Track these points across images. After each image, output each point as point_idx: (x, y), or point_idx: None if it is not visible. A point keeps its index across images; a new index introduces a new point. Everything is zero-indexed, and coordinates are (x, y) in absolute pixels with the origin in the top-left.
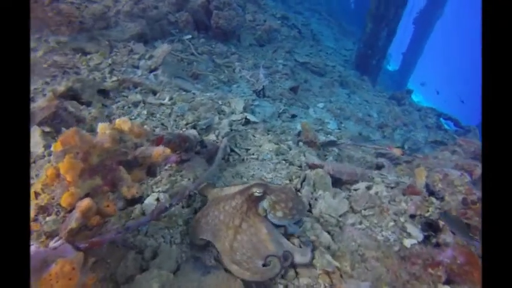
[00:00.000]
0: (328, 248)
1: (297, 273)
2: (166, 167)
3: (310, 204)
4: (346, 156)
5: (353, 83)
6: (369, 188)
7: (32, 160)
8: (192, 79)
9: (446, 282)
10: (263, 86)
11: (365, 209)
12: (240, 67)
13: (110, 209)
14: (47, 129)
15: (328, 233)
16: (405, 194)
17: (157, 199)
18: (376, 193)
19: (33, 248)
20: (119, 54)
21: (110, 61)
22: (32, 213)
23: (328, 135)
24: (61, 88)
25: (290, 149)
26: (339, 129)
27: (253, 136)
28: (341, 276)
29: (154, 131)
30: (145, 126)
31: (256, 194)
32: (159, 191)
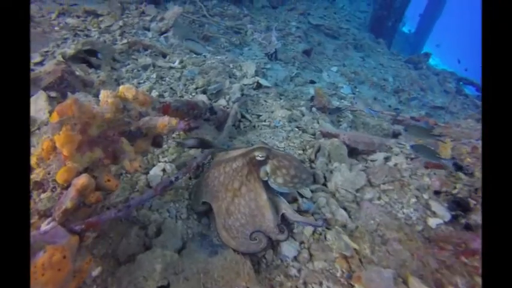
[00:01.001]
0: (344, 226)
1: (311, 255)
2: (173, 135)
3: (325, 177)
4: (361, 123)
5: (368, 45)
6: (387, 159)
7: (36, 127)
8: (203, 41)
9: None
10: (275, 49)
11: (384, 183)
12: (252, 29)
13: (111, 183)
14: (53, 94)
15: (345, 209)
16: (428, 167)
17: (164, 170)
18: (395, 165)
19: None
20: (130, 16)
21: (121, 23)
22: None
23: (342, 100)
24: (70, 51)
25: (303, 116)
26: (353, 93)
27: (265, 101)
28: (360, 261)
29: (163, 96)
30: (153, 91)
31: (258, 158)
32: (165, 161)
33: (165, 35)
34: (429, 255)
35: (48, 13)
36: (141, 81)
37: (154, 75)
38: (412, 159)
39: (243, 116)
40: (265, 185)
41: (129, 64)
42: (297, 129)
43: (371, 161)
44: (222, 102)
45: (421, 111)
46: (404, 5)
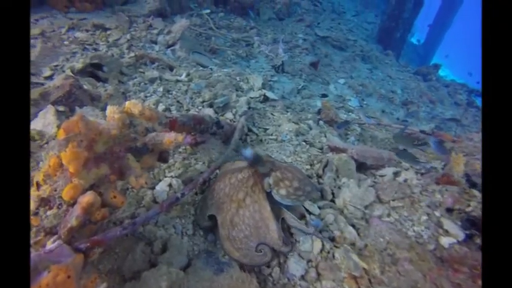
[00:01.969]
0: (353, 244)
1: (319, 274)
2: (180, 149)
3: (333, 193)
4: (370, 136)
5: (375, 57)
6: (396, 174)
7: (44, 141)
8: (210, 54)
9: None
10: (282, 61)
11: (393, 200)
12: (259, 42)
13: (117, 200)
14: (61, 108)
15: (353, 226)
16: (439, 183)
17: (170, 185)
18: (405, 180)
19: None
20: (137, 29)
21: (128, 36)
22: (33, 206)
23: (349, 113)
24: (79, 65)
25: (310, 129)
26: (361, 106)
27: (272, 114)
28: (369, 281)
29: (170, 109)
30: (160, 105)
31: (261, 170)
32: (171, 176)
33: (172, 48)
34: (443, 278)
35: (58, 28)
36: (148, 94)
37: (161, 89)
38: (422, 174)
39: (249, 130)
40: (270, 197)
41: (136, 77)
42: (304, 143)
43: (380, 176)
44: (228, 115)
45: (431, 123)
46: (414, 15)
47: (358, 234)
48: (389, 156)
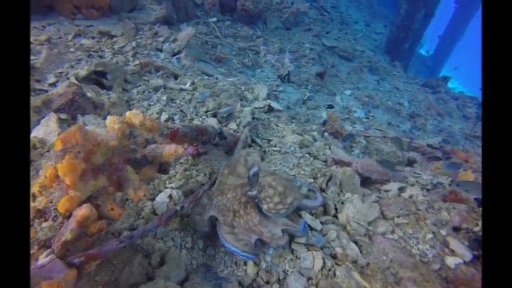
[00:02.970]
0: (355, 262)
1: None
2: (181, 160)
3: (336, 209)
4: (375, 149)
5: (383, 68)
6: (401, 189)
7: (45, 149)
8: (216, 62)
9: None
10: (288, 71)
11: (398, 216)
12: (265, 51)
13: (114, 212)
14: (64, 116)
15: (356, 243)
16: (446, 200)
17: (170, 196)
18: (411, 197)
19: None
20: (143, 37)
21: (134, 44)
22: None
23: (355, 125)
24: (83, 72)
25: (315, 141)
26: (367, 118)
27: (276, 125)
28: None
29: (173, 119)
30: (163, 114)
31: (250, 194)
32: (172, 187)
33: (177, 56)
34: None
35: (65, 34)
36: (152, 103)
37: (164, 97)
38: (428, 190)
39: (253, 141)
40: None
41: (140, 85)
42: (308, 155)
43: (385, 191)
44: (232, 126)
45: (438, 137)
46: (423, 26)
47: (361, 252)
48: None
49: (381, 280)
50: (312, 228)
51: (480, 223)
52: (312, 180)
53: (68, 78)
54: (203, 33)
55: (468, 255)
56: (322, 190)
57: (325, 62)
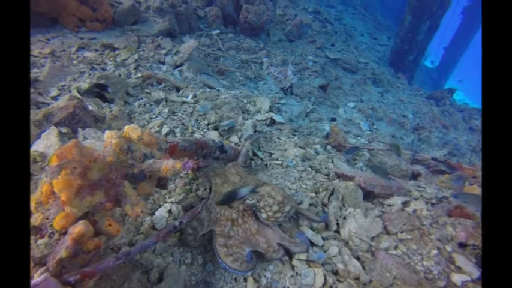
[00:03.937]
0: (357, 279)
1: None
2: (181, 174)
3: (338, 224)
4: (378, 162)
5: (387, 80)
6: (405, 204)
7: (45, 163)
8: (218, 75)
9: None
10: (291, 83)
11: (402, 232)
12: (268, 63)
13: (112, 228)
14: (64, 130)
15: (358, 259)
16: (452, 215)
17: (170, 211)
18: (415, 211)
19: None
20: (146, 49)
21: (136, 56)
22: None
23: (358, 138)
24: (85, 85)
25: (317, 154)
26: (371, 130)
27: (278, 138)
28: None
29: (174, 132)
30: (164, 127)
31: (248, 202)
32: (172, 202)
33: (179, 68)
34: None
35: (68, 47)
36: (153, 116)
37: (166, 110)
38: (433, 204)
39: (254, 154)
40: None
41: (142, 98)
42: (310, 169)
43: (388, 205)
44: (234, 139)
45: (444, 149)
46: (428, 38)
47: (363, 268)
48: (398, 184)
49: None
50: (313, 244)
51: None
52: (313, 194)
53: (70, 91)
54: (206, 45)
55: (476, 273)
56: (324, 205)
57: (329, 75)
